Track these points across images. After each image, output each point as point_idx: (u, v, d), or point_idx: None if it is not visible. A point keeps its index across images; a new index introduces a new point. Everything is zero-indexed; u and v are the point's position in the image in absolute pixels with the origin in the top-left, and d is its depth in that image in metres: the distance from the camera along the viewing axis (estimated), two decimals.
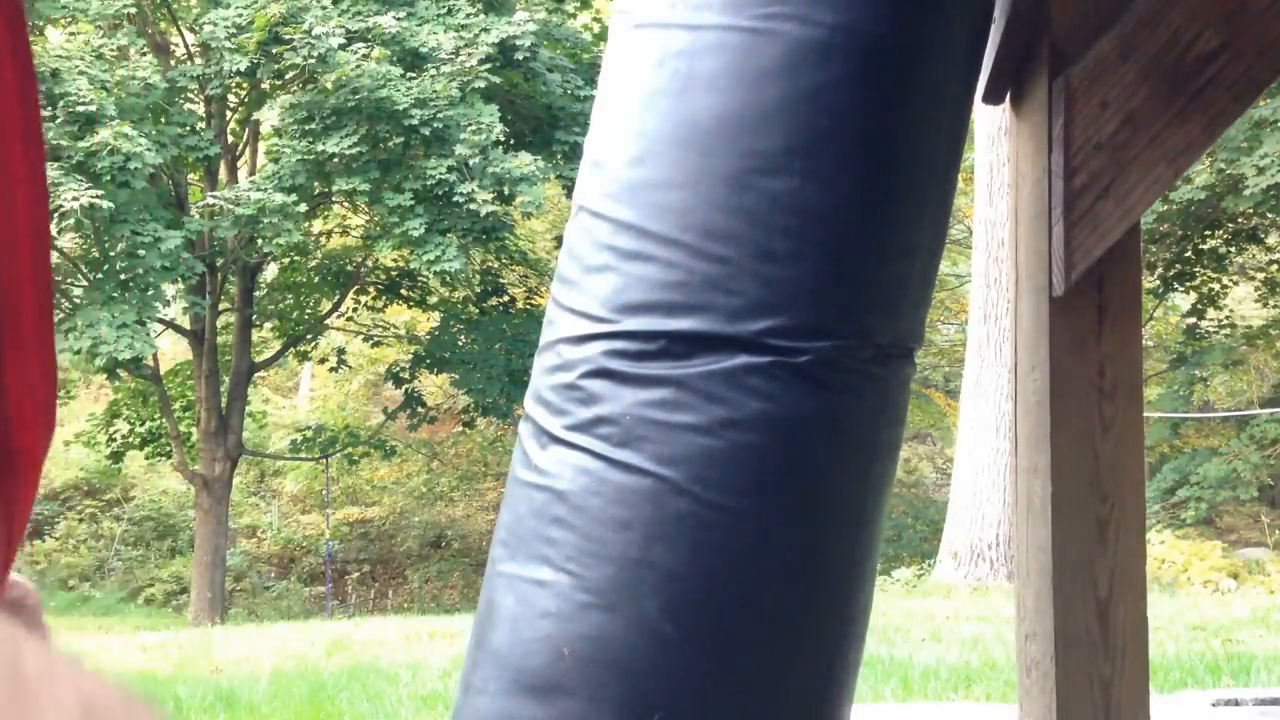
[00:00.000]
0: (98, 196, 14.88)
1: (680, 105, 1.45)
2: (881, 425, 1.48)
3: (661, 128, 1.45)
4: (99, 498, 23.33)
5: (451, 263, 16.33)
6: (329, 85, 16.19)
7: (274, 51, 16.51)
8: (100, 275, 16.66)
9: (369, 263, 19.83)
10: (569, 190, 17.03)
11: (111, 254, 16.34)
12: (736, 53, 1.44)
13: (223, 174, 18.89)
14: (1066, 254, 1.78)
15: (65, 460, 22.85)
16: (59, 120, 15.38)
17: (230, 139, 18.97)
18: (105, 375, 17.65)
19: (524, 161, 16.45)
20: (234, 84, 17.90)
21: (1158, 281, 19.43)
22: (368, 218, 18.74)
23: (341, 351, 20.97)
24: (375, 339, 22.64)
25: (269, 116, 18.31)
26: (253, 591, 22.71)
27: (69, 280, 17.49)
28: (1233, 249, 19.71)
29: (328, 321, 20.79)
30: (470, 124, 16.37)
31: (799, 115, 1.42)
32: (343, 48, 16.22)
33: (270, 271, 20.28)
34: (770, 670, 1.40)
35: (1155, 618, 6.41)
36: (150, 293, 16.32)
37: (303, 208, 16.63)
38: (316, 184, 17.16)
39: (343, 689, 7.53)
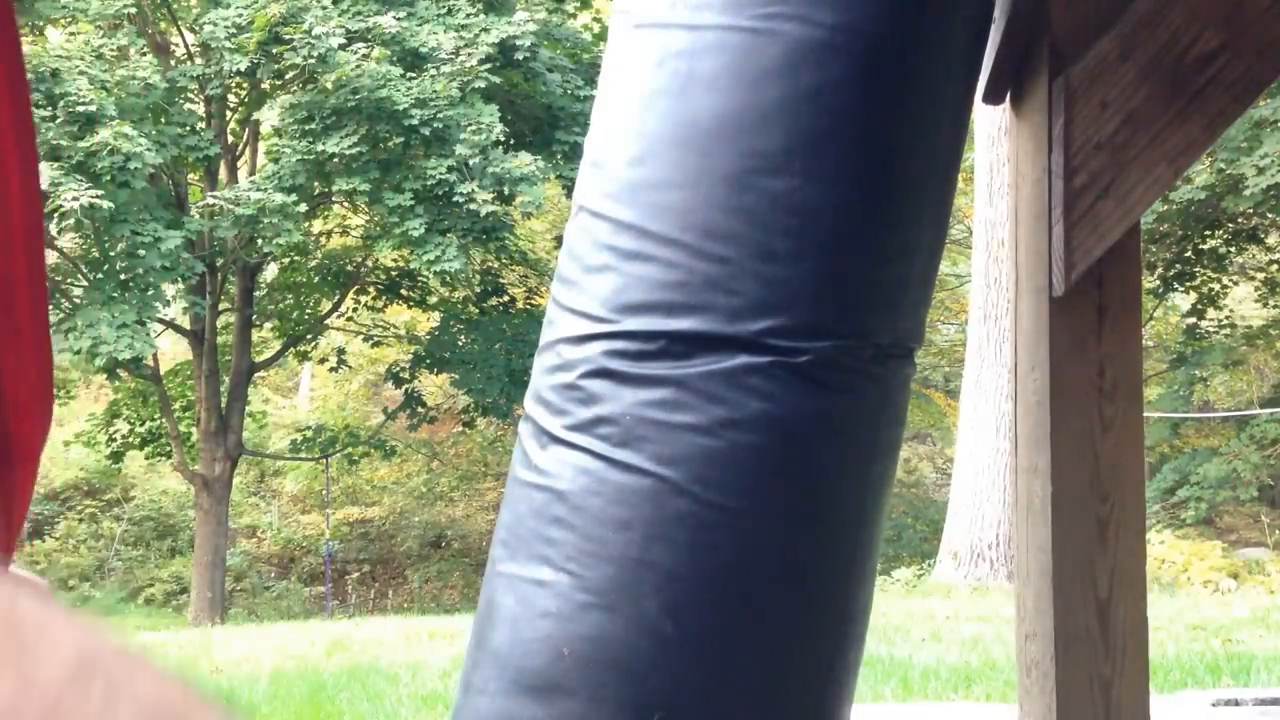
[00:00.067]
0: (98, 196, 14.88)
1: (680, 105, 1.45)
2: (881, 425, 1.48)
3: (661, 128, 1.45)
4: (99, 498, 23.33)
5: (451, 263, 16.33)
6: (329, 85, 16.20)
7: (274, 51, 16.51)
8: (100, 275, 16.66)
9: (369, 263, 19.84)
10: (569, 190, 17.03)
11: (111, 254, 16.35)
12: (736, 53, 1.44)
13: (223, 174, 18.89)
14: (1066, 254, 1.78)
15: (65, 460, 22.85)
16: (59, 120, 15.38)
17: (230, 139, 18.97)
18: (105, 375, 17.65)
19: (524, 161, 16.45)
20: (234, 84, 17.91)
21: (1158, 281, 19.43)
22: (368, 218, 18.74)
23: (341, 351, 20.97)
24: (375, 339, 22.64)
25: (269, 116, 18.31)
26: (253, 591, 22.72)
27: (69, 280, 17.50)
28: (1233, 249, 19.71)
29: (328, 321, 20.79)
30: (470, 124, 16.37)
31: (799, 115, 1.42)
32: (343, 48, 16.22)
33: (270, 271, 20.28)
34: (770, 670, 1.40)
35: (1155, 618, 6.41)
36: (150, 293, 16.32)
37: (303, 208, 16.63)
38: (316, 184, 17.16)
39: (343, 689, 7.53)
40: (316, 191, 17.46)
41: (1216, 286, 20.01)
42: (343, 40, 16.22)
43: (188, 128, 17.51)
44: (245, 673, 8.66)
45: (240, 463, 19.99)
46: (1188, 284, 19.92)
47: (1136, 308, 1.87)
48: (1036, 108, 1.88)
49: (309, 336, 20.45)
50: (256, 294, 19.57)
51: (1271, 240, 20.26)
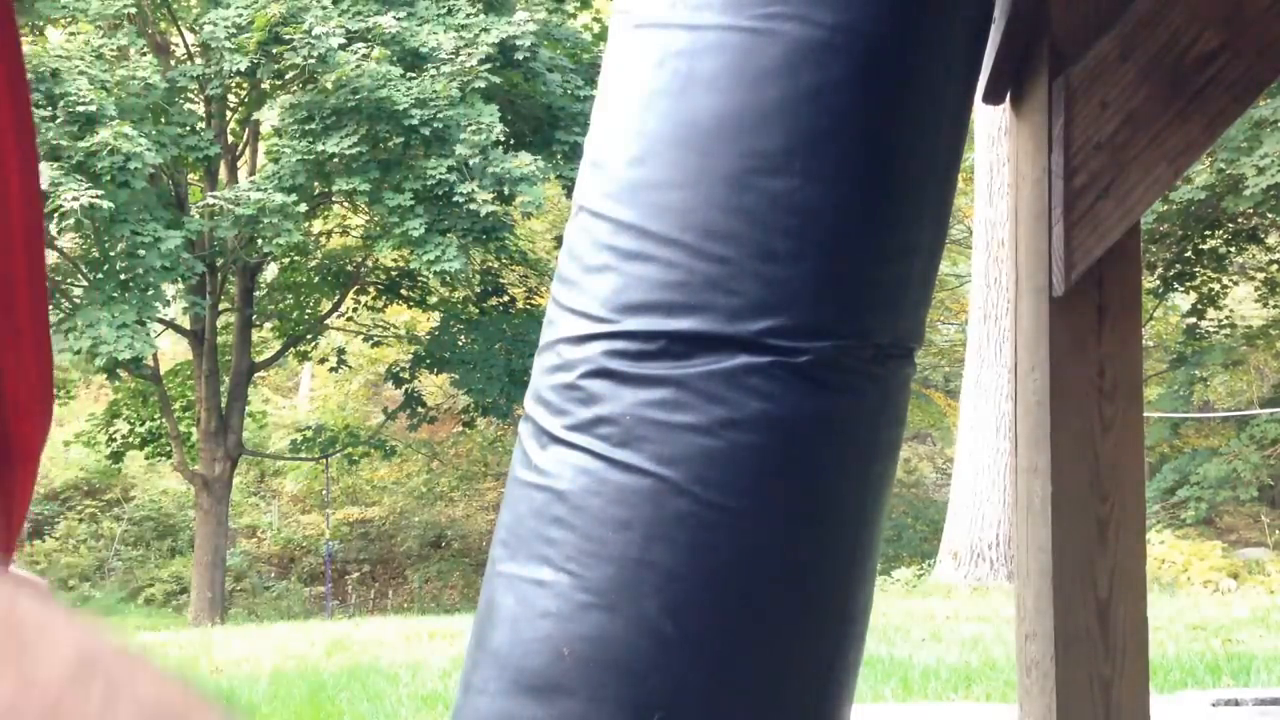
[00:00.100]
0: (98, 196, 14.88)
1: (680, 105, 1.45)
2: (881, 425, 1.48)
3: (661, 128, 1.45)
4: (99, 498, 23.33)
5: (451, 263, 16.33)
6: (329, 85, 16.20)
7: (274, 51, 16.51)
8: (100, 275, 16.66)
9: (369, 263, 19.84)
10: (569, 190, 17.03)
11: (111, 254, 16.35)
12: (736, 53, 1.44)
13: (223, 174, 18.89)
14: (1066, 254, 1.78)
15: (65, 460, 22.85)
16: (59, 120, 15.38)
17: (230, 139, 18.98)
18: (105, 375, 17.65)
19: (524, 161, 16.45)
20: (234, 84, 17.91)
21: (1158, 281, 19.44)
22: (368, 218, 18.74)
23: (341, 351, 20.97)
24: (375, 339, 22.64)
25: (269, 116, 18.31)
26: (253, 591, 22.72)
27: (69, 280, 17.50)
28: (1233, 249, 19.71)
29: (328, 321, 20.79)
30: (470, 124, 16.37)
31: (799, 115, 1.42)
32: (343, 48, 16.22)
33: (270, 271, 20.28)
34: (770, 670, 1.40)
35: (1155, 618, 6.41)
36: (150, 293, 16.32)
37: (303, 208, 16.64)
38: (316, 184, 17.16)
39: (343, 689, 7.53)
40: (316, 191, 17.46)
41: (1216, 286, 20.01)
42: (343, 40, 16.22)
43: (188, 128, 17.51)
44: (245, 673, 8.66)
45: (240, 463, 19.99)
46: (1188, 284, 19.93)
47: (1136, 308, 1.87)
48: (1036, 108, 1.88)
49: (309, 336, 20.45)
50: (256, 294, 19.57)
51: (1271, 240, 20.26)
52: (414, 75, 16.60)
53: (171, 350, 22.39)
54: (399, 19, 16.70)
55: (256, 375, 20.74)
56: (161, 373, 19.24)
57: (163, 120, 17.20)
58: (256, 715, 6.83)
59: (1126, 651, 1.82)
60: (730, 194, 1.41)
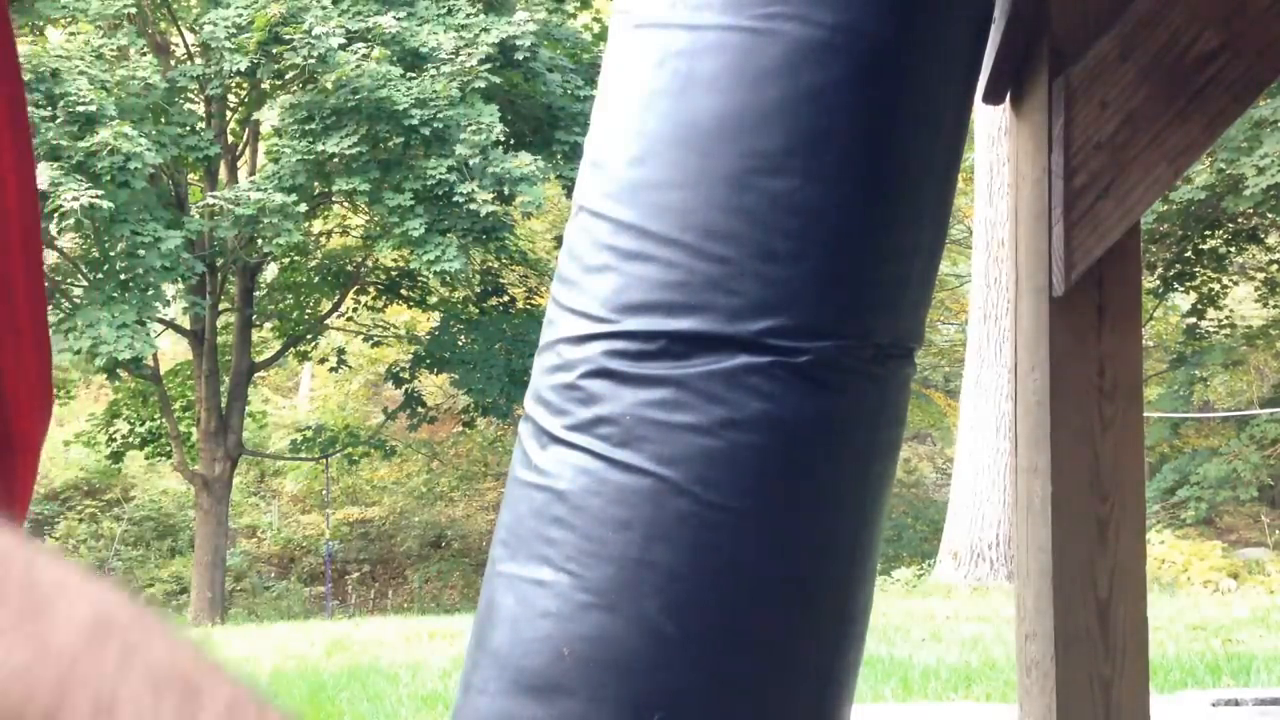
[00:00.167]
0: (98, 196, 14.88)
1: (680, 105, 1.45)
2: (881, 425, 1.48)
3: (661, 128, 1.45)
4: (99, 498, 23.33)
5: (451, 263, 16.33)
6: (329, 85, 16.19)
7: (274, 51, 16.51)
8: (100, 275, 16.66)
9: (369, 263, 19.84)
10: (569, 190, 17.02)
11: (111, 254, 16.35)
12: (736, 53, 1.44)
13: (223, 174, 18.89)
14: (1066, 254, 1.78)
15: (65, 460, 22.85)
16: (59, 120, 15.38)
17: (230, 139, 18.97)
18: (105, 375, 17.65)
19: (524, 161, 16.45)
20: (234, 84, 17.91)
21: (1158, 281, 19.43)
22: (368, 218, 18.74)
23: (341, 351, 20.97)
24: (375, 339, 22.64)
25: (269, 116, 18.31)
26: (253, 591, 22.72)
27: (69, 280, 17.50)
28: (1233, 249, 19.71)
29: (328, 321, 20.79)
30: (470, 124, 16.37)
31: (799, 115, 1.42)
32: (343, 48, 16.22)
33: (270, 271, 20.28)
34: (770, 670, 1.40)
35: (1155, 618, 6.41)
36: (150, 293, 16.32)
37: (303, 208, 16.63)
38: (316, 184, 17.16)
39: (343, 689, 7.53)
40: (316, 191, 17.46)
41: (1216, 286, 20.01)
42: (343, 40, 16.22)
43: (188, 128, 17.51)
44: (245, 673, 8.66)
45: (240, 463, 19.99)
46: (1188, 284, 19.92)
47: (1136, 308, 1.87)
48: (1036, 108, 1.88)
49: (309, 336, 20.45)
50: (256, 294, 19.57)
51: (1271, 240, 20.26)
52: (414, 75, 16.59)
53: (171, 350, 22.39)
54: (399, 19, 16.69)
55: (256, 375, 20.74)
56: (161, 373, 19.24)
57: (163, 120, 17.20)
58: None
59: (1126, 651, 1.82)
60: (730, 194, 1.41)
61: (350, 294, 20.26)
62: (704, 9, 1.45)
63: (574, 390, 1.44)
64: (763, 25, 1.43)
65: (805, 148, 1.42)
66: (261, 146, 19.04)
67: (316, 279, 19.87)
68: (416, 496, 24.53)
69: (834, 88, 1.43)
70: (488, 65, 16.59)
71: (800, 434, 1.41)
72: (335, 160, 16.51)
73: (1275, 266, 20.96)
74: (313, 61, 16.14)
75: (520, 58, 17.12)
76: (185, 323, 19.03)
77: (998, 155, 12.94)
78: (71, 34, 17.73)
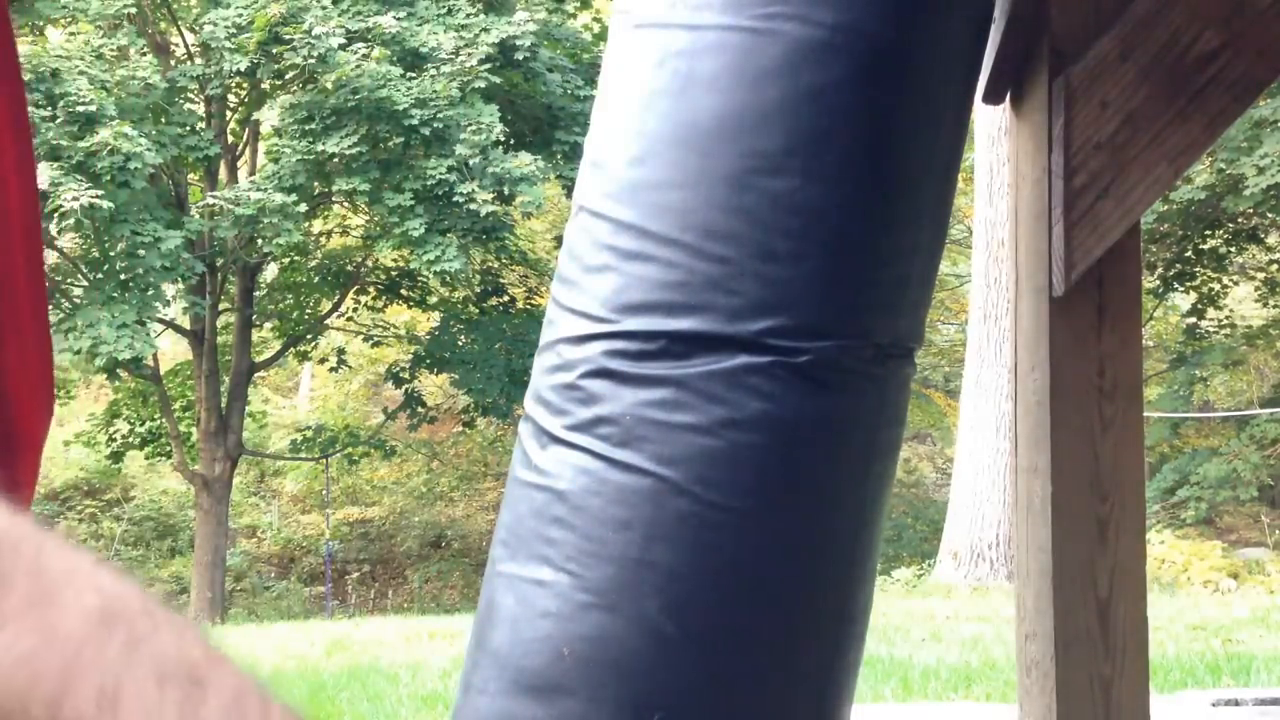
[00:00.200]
0: (98, 196, 14.88)
1: (680, 105, 1.45)
2: (881, 425, 1.48)
3: (661, 128, 1.45)
4: (99, 498, 23.33)
5: (451, 263, 16.33)
6: (329, 85, 16.19)
7: (274, 51, 16.51)
8: (100, 275, 16.66)
9: (369, 263, 19.83)
10: (569, 190, 17.02)
11: (111, 254, 16.35)
12: (736, 53, 1.44)
13: (223, 174, 18.89)
14: (1066, 254, 1.78)
15: (65, 460, 22.85)
16: (59, 120, 15.38)
17: (230, 139, 18.97)
18: (105, 375, 17.65)
19: (524, 161, 16.45)
20: (234, 84, 17.91)
21: (1158, 281, 19.43)
22: (368, 218, 18.74)
23: (341, 351, 20.97)
24: (375, 339, 22.64)
25: (269, 116, 18.31)
26: (253, 591, 22.72)
27: (69, 280, 17.50)
28: (1233, 249, 19.71)
29: (328, 321, 20.79)
30: (470, 124, 16.37)
31: (799, 115, 1.42)
32: (343, 48, 16.22)
33: (270, 271, 20.28)
34: (770, 670, 1.40)
35: (1155, 618, 6.41)
36: (150, 293, 16.32)
37: (303, 208, 16.64)
38: (316, 184, 17.16)
39: (343, 689, 7.53)
40: (316, 191, 17.46)
41: (1216, 286, 20.01)
42: (343, 40, 16.22)
43: (188, 128, 17.51)
44: (250, 665, 8.65)
45: (240, 463, 19.99)
46: (1188, 284, 19.92)
47: (1136, 308, 1.87)
48: (1036, 108, 1.88)
49: (309, 336, 20.45)
50: (256, 294, 19.57)
51: (1271, 240, 20.26)
52: (414, 75, 16.59)
53: (171, 350, 22.39)
54: (399, 19, 16.69)
55: (256, 375, 20.74)
56: (161, 373, 19.24)
57: (163, 120, 17.20)
58: None
59: (1126, 651, 1.82)
60: (730, 194, 1.41)
61: (350, 294, 20.26)
62: (704, 9, 1.45)
63: (574, 390, 1.44)
64: (763, 25, 1.43)
65: (805, 148, 1.42)
66: (261, 146, 19.04)
67: (316, 279, 19.87)
68: (416, 496, 24.53)
69: (834, 88, 1.43)
70: (488, 65, 16.59)
71: (800, 434, 1.41)
72: (335, 160, 16.51)
73: (1275, 266, 20.96)
74: (313, 61, 16.14)
75: (520, 58, 17.12)
76: (185, 323, 19.03)
77: (998, 155, 12.94)
78: (71, 34, 17.73)
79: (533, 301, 21.21)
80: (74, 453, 22.14)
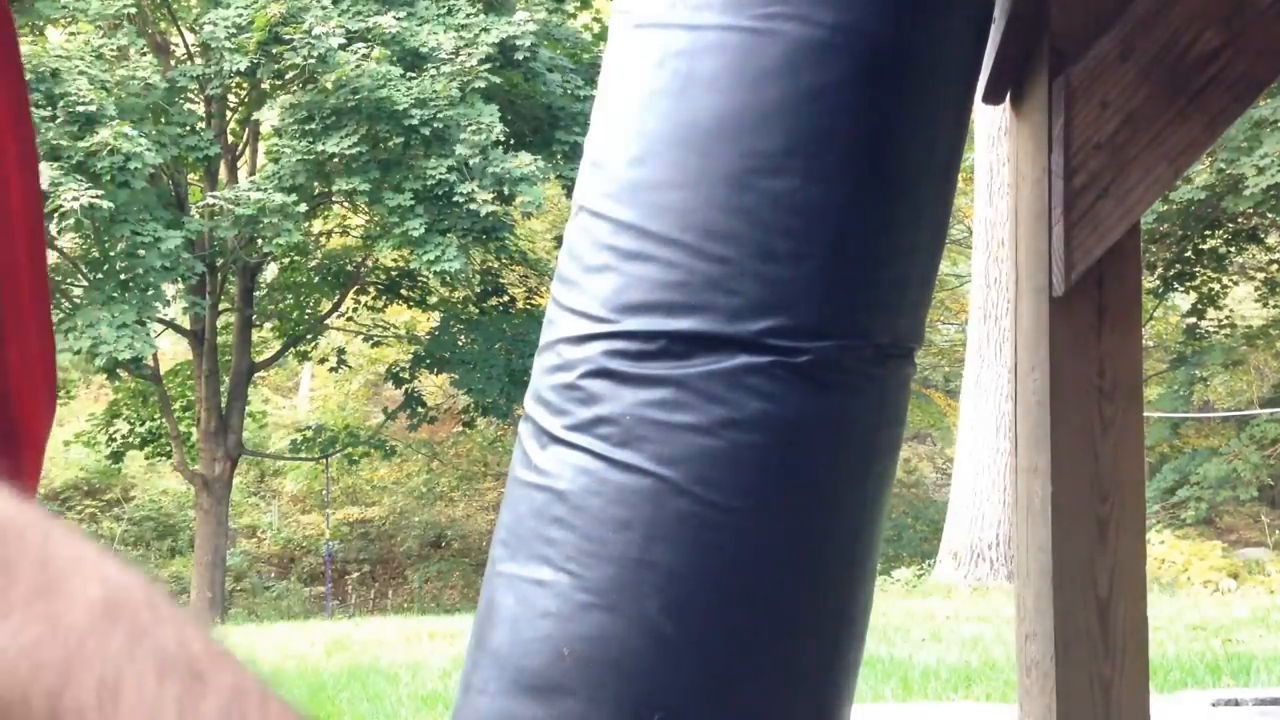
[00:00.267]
0: (98, 196, 14.87)
1: (680, 105, 1.45)
2: (881, 425, 1.48)
3: (661, 128, 1.45)
4: (99, 498, 23.33)
5: (451, 263, 16.33)
6: (329, 85, 16.19)
7: (274, 51, 16.51)
8: (100, 275, 16.66)
9: (369, 263, 19.83)
10: (569, 190, 17.02)
11: (111, 254, 16.35)
12: (736, 53, 1.44)
13: (223, 174, 18.89)
14: (1066, 254, 1.78)
15: (65, 460, 22.85)
16: (59, 120, 15.38)
17: (230, 139, 18.97)
18: (105, 375, 17.64)
19: (524, 161, 16.45)
20: (234, 84, 17.90)
21: (1158, 281, 19.43)
22: (368, 218, 18.74)
23: (341, 351, 20.97)
24: (375, 339, 22.63)
25: (269, 116, 18.31)
26: (253, 591, 22.72)
27: (69, 280, 17.50)
28: (1233, 249, 19.71)
29: (328, 321, 20.79)
30: (470, 124, 16.37)
31: (799, 115, 1.42)
32: (343, 48, 16.22)
33: (270, 271, 20.28)
34: (770, 670, 1.40)
35: (1155, 618, 6.41)
36: (150, 293, 16.32)
37: (303, 208, 16.63)
38: (316, 184, 17.16)
39: (343, 689, 7.53)
40: (316, 191, 17.46)
41: (1216, 286, 20.01)
42: (343, 40, 16.22)
43: (188, 128, 17.50)
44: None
45: (240, 463, 19.98)
46: (1188, 284, 19.92)
47: (1136, 308, 1.87)
48: (1036, 108, 1.88)
49: (309, 336, 20.44)
50: (256, 294, 19.57)
51: (1271, 240, 20.26)
52: (414, 75, 16.59)
53: (171, 350, 22.39)
54: (399, 19, 16.69)
55: (256, 375, 20.74)
56: (161, 373, 19.23)
57: (163, 120, 17.19)
58: None
59: (1126, 651, 1.82)
60: (730, 194, 1.41)
61: (350, 294, 20.25)
62: (704, 9, 1.45)
63: (574, 390, 1.44)
64: (763, 25, 1.43)
65: (805, 148, 1.42)
66: (261, 146, 19.03)
67: (316, 279, 19.86)
68: (416, 496, 24.53)
69: (834, 88, 1.43)
70: (488, 65, 16.59)
71: (800, 434, 1.41)
72: (335, 160, 16.51)
73: (1275, 266, 20.96)
74: (313, 61, 16.13)
75: (520, 58, 17.12)
76: (185, 323, 19.03)
77: (998, 155, 12.93)
78: (71, 34, 17.72)
79: (533, 301, 21.21)
80: (74, 453, 22.14)
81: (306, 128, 16.73)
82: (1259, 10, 1.74)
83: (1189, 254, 19.36)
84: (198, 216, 17.15)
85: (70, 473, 23.19)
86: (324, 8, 16.52)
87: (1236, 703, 5.98)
